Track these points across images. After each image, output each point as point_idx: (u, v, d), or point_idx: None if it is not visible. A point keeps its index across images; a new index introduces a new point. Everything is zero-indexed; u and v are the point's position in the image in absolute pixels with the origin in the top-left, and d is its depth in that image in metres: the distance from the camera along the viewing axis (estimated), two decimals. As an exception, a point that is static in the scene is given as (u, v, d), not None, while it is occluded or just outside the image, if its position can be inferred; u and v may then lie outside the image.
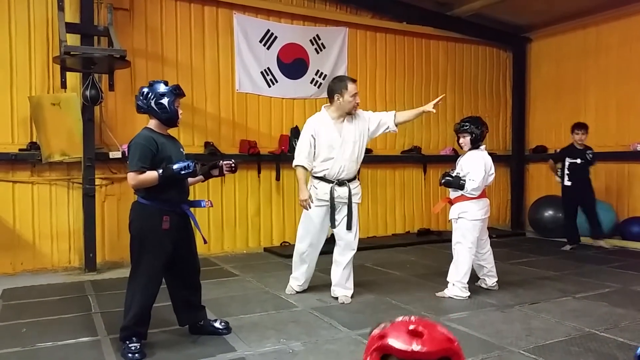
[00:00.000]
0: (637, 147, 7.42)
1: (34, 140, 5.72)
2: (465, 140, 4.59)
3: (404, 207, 8.27)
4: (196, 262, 3.57)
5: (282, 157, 6.91)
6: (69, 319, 4.02)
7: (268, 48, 7.14)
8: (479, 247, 4.64)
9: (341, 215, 4.42)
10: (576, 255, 6.57)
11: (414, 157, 8.21)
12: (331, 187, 4.35)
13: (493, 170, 4.64)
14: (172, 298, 3.56)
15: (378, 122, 4.55)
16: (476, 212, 4.50)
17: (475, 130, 4.55)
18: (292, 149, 6.53)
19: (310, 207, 4.37)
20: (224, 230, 6.86)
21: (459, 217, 4.55)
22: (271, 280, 5.21)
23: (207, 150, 6.61)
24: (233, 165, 3.57)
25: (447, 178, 4.57)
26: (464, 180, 4.47)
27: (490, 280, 4.75)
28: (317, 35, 7.50)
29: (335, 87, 4.35)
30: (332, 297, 4.48)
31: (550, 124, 8.84)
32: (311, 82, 7.47)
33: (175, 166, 3.21)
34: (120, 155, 6.00)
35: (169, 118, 3.35)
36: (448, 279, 4.55)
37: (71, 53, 5.24)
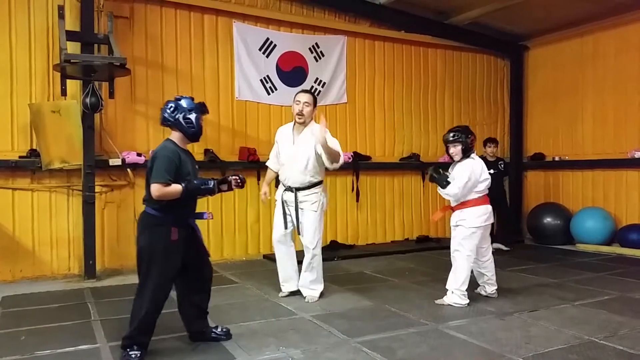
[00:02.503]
0: (634, 154, 7.45)
1: (34, 147, 5.73)
2: (457, 150, 4.58)
3: (403, 214, 8.28)
4: (208, 269, 3.63)
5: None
6: (68, 327, 4.02)
7: (267, 56, 7.18)
8: (480, 255, 4.64)
9: (297, 220, 4.72)
10: (575, 263, 6.59)
11: (412, 164, 8.23)
12: (282, 192, 4.78)
13: (485, 176, 4.61)
14: (182, 304, 3.58)
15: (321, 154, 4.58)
16: (475, 219, 4.49)
17: (466, 139, 4.56)
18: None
19: (265, 201, 5.06)
20: (224, 237, 6.87)
21: (457, 225, 4.56)
22: (270, 287, 5.21)
23: (206, 158, 6.63)
24: (239, 180, 3.60)
25: (432, 173, 4.59)
26: (449, 182, 4.49)
27: (489, 287, 4.76)
28: (316, 44, 7.54)
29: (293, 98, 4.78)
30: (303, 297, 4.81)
31: (547, 131, 8.89)
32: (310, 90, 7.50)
33: (197, 182, 3.34)
34: (120, 163, 6.02)
35: (195, 133, 3.45)
36: (447, 287, 4.55)
37: (71, 61, 5.26)
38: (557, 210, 8.13)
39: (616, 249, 7.31)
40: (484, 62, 9.14)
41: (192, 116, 3.39)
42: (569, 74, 8.52)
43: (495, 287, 4.77)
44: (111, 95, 5.75)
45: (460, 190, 4.44)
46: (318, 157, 4.56)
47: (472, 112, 8.99)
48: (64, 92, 5.56)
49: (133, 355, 3.19)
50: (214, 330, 3.65)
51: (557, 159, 8.62)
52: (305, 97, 4.67)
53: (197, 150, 6.63)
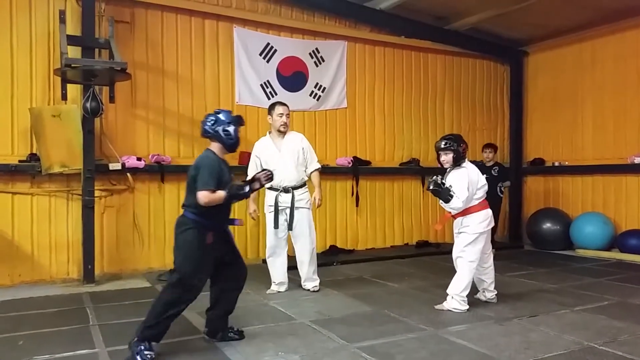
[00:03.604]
0: (634, 159, 7.46)
1: (34, 151, 5.74)
2: (448, 158, 4.56)
3: (403, 219, 8.28)
4: (243, 269, 3.80)
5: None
6: (67, 331, 4.01)
7: (268, 61, 7.20)
8: (481, 261, 4.61)
9: (291, 219, 5.09)
10: (574, 268, 6.58)
11: (412, 169, 8.24)
12: (276, 195, 5.09)
13: (482, 182, 4.60)
14: (214, 304, 3.72)
15: (305, 156, 5.24)
16: (477, 225, 4.48)
17: (458, 147, 4.53)
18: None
19: (255, 218, 5.35)
20: (223, 242, 6.85)
21: (460, 232, 4.53)
22: (270, 292, 5.20)
23: (206, 162, 6.62)
24: (269, 174, 3.82)
25: (435, 187, 4.51)
26: (452, 195, 4.43)
27: (489, 293, 4.75)
28: (317, 49, 7.56)
29: (269, 110, 5.26)
30: (304, 289, 5.22)
31: (547, 136, 8.90)
32: (310, 95, 7.52)
33: (236, 187, 3.59)
34: (119, 167, 6.03)
35: (233, 144, 3.70)
36: (447, 291, 4.54)
37: (72, 65, 5.27)
38: (557, 216, 8.13)
39: (616, 255, 7.31)
40: (484, 67, 9.16)
41: (231, 128, 3.63)
42: (569, 80, 8.54)
43: (495, 293, 4.76)
44: (111, 99, 5.76)
45: (464, 203, 4.43)
46: (303, 160, 5.21)
47: (472, 118, 9.01)
48: (64, 97, 5.56)
49: (146, 350, 3.27)
50: (230, 329, 3.77)
51: (556, 164, 8.63)
52: (286, 110, 5.18)
53: (197, 154, 6.62)
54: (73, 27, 5.81)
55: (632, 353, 3.42)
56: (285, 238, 5.23)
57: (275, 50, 7.24)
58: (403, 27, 8.11)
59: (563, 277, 6.01)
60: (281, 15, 7.30)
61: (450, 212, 4.59)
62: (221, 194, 3.46)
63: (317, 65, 7.57)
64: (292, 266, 5.33)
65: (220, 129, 3.61)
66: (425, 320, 4.21)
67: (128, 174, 6.14)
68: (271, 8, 7.22)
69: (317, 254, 5.45)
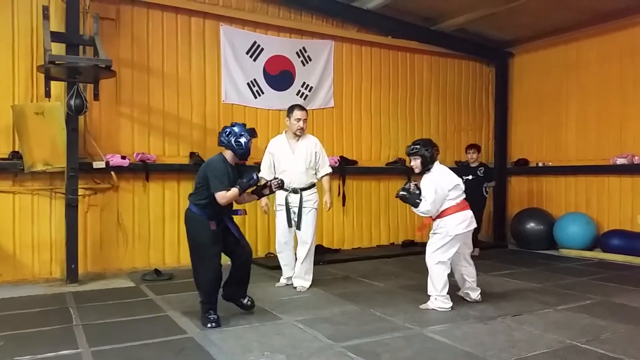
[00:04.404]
0: (616, 160, 7.57)
1: (17, 149, 5.66)
2: (416, 163, 4.58)
3: (389, 219, 8.31)
4: (245, 247, 4.38)
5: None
6: (50, 332, 3.96)
7: (254, 60, 7.17)
8: (462, 261, 4.65)
9: (299, 219, 5.32)
10: (558, 268, 6.66)
11: (398, 169, 8.26)
12: (286, 195, 5.29)
13: (455, 183, 4.54)
14: (230, 275, 4.34)
15: (317, 160, 5.46)
16: (454, 226, 4.45)
17: (425, 152, 4.53)
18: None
19: (266, 211, 5.49)
20: (209, 241, 6.82)
21: (435, 232, 4.55)
22: (255, 291, 5.16)
23: (192, 161, 6.59)
24: (279, 182, 4.41)
25: (403, 193, 4.52)
26: (420, 200, 4.44)
27: (473, 293, 4.77)
28: (304, 48, 7.55)
29: (287, 112, 5.43)
30: (292, 287, 5.37)
31: (532, 137, 8.99)
32: (297, 94, 7.51)
33: (245, 180, 4.09)
34: (103, 166, 5.97)
35: (243, 154, 4.19)
36: (429, 293, 4.57)
37: (56, 62, 5.19)
38: (541, 216, 8.22)
39: (598, 254, 7.41)
40: (470, 68, 9.22)
41: (242, 140, 4.13)
42: (553, 81, 8.64)
43: (479, 291, 4.79)
44: (96, 97, 5.70)
45: (432, 206, 4.42)
46: (315, 164, 5.43)
47: (457, 118, 9.07)
48: (47, 94, 5.48)
49: (212, 317, 4.03)
50: (242, 299, 4.37)
51: (540, 164, 8.72)
52: (304, 115, 5.37)
53: (182, 153, 6.66)
54: (57, 24, 5.73)
55: (614, 351, 3.47)
56: (292, 234, 5.46)
57: (262, 49, 7.22)
58: (390, 27, 8.14)
59: (546, 276, 6.07)
60: (268, 13, 7.28)
61: (427, 216, 4.60)
62: (235, 190, 4.02)
63: (304, 65, 7.56)
64: (275, 266, 5.34)
65: (233, 139, 4.11)
66: (411, 319, 4.23)
67: (112, 173, 6.08)
68: (258, 6, 7.19)
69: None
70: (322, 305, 4.71)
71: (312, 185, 5.43)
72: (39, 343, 3.65)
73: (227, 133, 4.16)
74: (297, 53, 7.50)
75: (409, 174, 8.28)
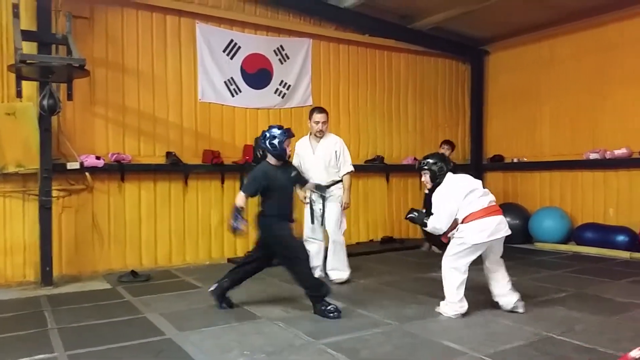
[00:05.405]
0: (589, 155, 7.72)
1: (-13, 150, 5.53)
2: (426, 178, 4.47)
3: (368, 216, 8.34)
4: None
5: (247, 167, 6.85)
6: (24, 336, 3.88)
7: (232, 58, 7.13)
8: (489, 271, 4.38)
9: (322, 215, 5.55)
10: (533, 261, 6.77)
11: (377, 167, 8.31)
12: (310, 192, 5.56)
13: (470, 188, 4.30)
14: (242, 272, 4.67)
15: (337, 158, 5.63)
16: (475, 235, 4.13)
17: (433, 167, 4.41)
18: (256, 159, 6.51)
19: (306, 203, 5.69)
20: (186, 241, 6.76)
21: (455, 237, 4.29)
22: (234, 291, 5.14)
23: (168, 161, 6.53)
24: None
25: (412, 215, 4.48)
26: (427, 220, 4.32)
27: (508, 301, 4.31)
28: (281, 46, 7.53)
29: (309, 115, 5.73)
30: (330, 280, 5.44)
31: (507, 133, 9.12)
32: (275, 92, 7.48)
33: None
34: (78, 166, 5.87)
35: (278, 155, 4.42)
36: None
37: (27, 61, 5.08)
38: (516, 210, 8.33)
39: (572, 247, 7.56)
40: (446, 65, 9.31)
41: (276, 141, 4.36)
42: (528, 78, 8.78)
43: (516, 299, 4.32)
44: (69, 97, 5.59)
45: (441, 222, 4.25)
46: (335, 162, 5.60)
47: (434, 115, 9.15)
48: (19, 94, 5.35)
49: (331, 308, 4.20)
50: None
51: (515, 160, 8.86)
52: (323, 117, 5.60)
53: (158, 152, 6.58)
54: (28, 22, 5.59)
55: (588, 342, 3.55)
56: (319, 228, 5.65)
57: (239, 47, 7.18)
58: (367, 25, 8.17)
59: (522, 270, 6.16)
60: (245, 11, 7.24)
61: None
62: (241, 195, 4.30)
63: (281, 63, 7.54)
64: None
65: (267, 142, 4.38)
66: (390, 315, 4.26)
67: (87, 174, 5.98)
68: (234, 4, 7.15)
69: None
70: (301, 303, 4.69)
71: (335, 182, 5.62)
72: (13, 348, 3.58)
73: (264, 137, 4.43)
74: (274, 51, 7.48)
75: (387, 172, 8.38)
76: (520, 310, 4.29)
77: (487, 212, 4.23)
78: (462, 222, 4.22)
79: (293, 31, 7.63)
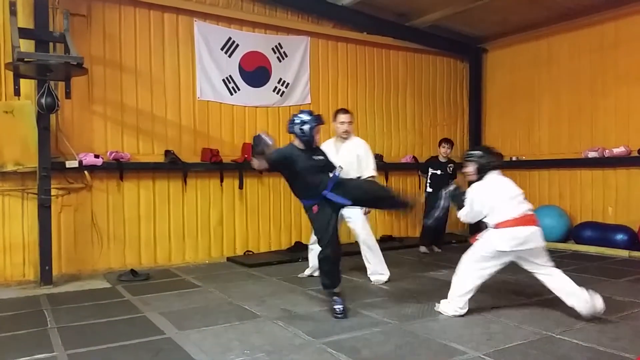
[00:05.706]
0: (588, 154, 7.73)
1: (-15, 149, 5.51)
2: (469, 169, 4.36)
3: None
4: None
5: (245, 165, 6.84)
6: (24, 335, 3.87)
7: (230, 56, 7.11)
8: (539, 275, 4.32)
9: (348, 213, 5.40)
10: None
11: (376, 165, 8.27)
12: None
13: (511, 194, 4.21)
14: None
15: (360, 162, 5.53)
16: (503, 241, 4.05)
17: (480, 159, 4.28)
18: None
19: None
20: (186, 240, 6.76)
21: (481, 237, 4.23)
22: (234, 290, 5.16)
23: (167, 159, 6.52)
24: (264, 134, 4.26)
25: (454, 192, 4.43)
26: (462, 206, 4.28)
27: (582, 305, 4.04)
28: (279, 44, 7.52)
29: (333, 116, 5.69)
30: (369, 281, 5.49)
31: (505, 131, 9.13)
32: (274, 91, 7.47)
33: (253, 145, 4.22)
34: (77, 165, 5.86)
35: (307, 140, 4.37)
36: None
37: (25, 59, 5.06)
38: (515, 209, 8.33)
39: (571, 246, 7.57)
40: (444, 64, 9.31)
41: (306, 127, 4.32)
42: (526, 76, 8.78)
43: (586, 306, 4.03)
44: (67, 95, 5.57)
45: (466, 215, 4.26)
46: (358, 165, 5.48)
47: (432, 113, 9.15)
48: (17, 92, 5.34)
49: (337, 308, 4.18)
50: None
51: (514, 159, 8.86)
52: (347, 118, 5.57)
53: (157, 151, 6.57)
54: (25, 20, 5.57)
55: (587, 340, 3.56)
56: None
57: (237, 45, 7.16)
58: (365, 23, 8.15)
59: (521, 269, 6.13)
60: (243, 9, 7.22)
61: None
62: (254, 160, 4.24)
63: (280, 61, 7.52)
64: (253, 264, 5.27)
65: (297, 127, 4.33)
66: (390, 314, 4.26)
67: (85, 172, 5.97)
68: (232, 2, 7.13)
69: (282, 250, 5.45)
70: (301, 302, 4.70)
71: None
72: (13, 347, 3.57)
73: (293, 121, 4.37)
74: (272, 49, 7.46)
75: (386, 170, 8.36)
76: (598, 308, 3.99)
77: (521, 221, 4.12)
78: (495, 227, 4.12)
79: (291, 29, 7.61)
